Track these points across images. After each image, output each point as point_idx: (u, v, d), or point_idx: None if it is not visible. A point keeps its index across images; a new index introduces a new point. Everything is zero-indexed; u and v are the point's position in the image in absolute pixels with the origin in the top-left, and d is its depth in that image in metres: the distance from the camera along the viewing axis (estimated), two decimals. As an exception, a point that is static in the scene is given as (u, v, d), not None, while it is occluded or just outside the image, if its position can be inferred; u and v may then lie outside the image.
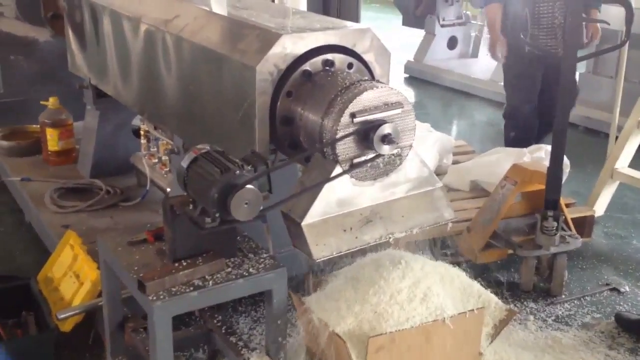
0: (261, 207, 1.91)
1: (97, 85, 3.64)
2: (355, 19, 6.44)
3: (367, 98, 1.98)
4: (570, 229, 3.23)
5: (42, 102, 4.11)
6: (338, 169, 2.00)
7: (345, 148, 1.98)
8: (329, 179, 1.98)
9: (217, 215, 1.90)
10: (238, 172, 1.87)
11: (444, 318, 2.19)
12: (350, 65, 2.24)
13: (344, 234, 2.05)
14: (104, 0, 3.29)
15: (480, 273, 3.24)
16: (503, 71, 4.68)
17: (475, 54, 7.78)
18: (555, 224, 3.06)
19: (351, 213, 2.07)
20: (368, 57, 2.27)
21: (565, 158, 3.74)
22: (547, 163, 3.23)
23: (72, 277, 2.90)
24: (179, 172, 2.01)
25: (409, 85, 7.74)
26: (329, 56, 2.19)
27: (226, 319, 2.74)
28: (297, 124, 2.15)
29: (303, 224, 1.98)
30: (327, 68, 2.18)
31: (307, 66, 2.16)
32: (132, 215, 3.49)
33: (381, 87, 2.01)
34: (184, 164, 1.99)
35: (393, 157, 2.07)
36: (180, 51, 2.56)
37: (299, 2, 5.07)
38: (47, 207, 3.56)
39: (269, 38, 2.14)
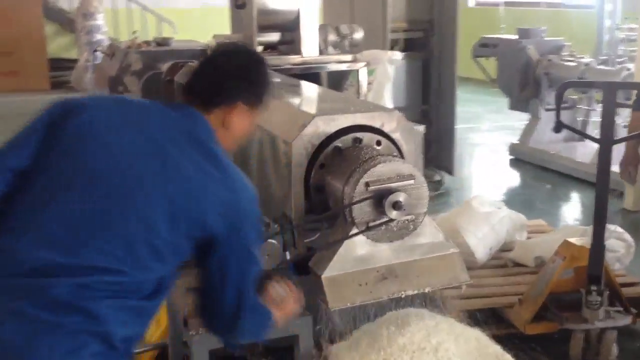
0: (287, 259, 2.29)
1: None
2: (452, 104, 6.75)
3: (381, 170, 2.30)
4: (617, 305, 3.27)
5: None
6: (355, 230, 2.32)
7: (361, 212, 2.30)
8: (346, 238, 2.30)
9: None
10: (263, 228, 2.24)
11: (454, 376, 2.39)
12: (378, 143, 2.57)
13: (359, 287, 2.34)
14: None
15: (531, 344, 3.36)
16: None
17: (581, 138, 7.75)
18: (599, 298, 3.14)
19: (368, 270, 2.36)
20: (396, 136, 2.60)
21: (627, 236, 3.81)
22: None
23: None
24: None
25: (513, 167, 7.83)
26: (359, 134, 2.53)
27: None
28: (328, 191, 2.50)
29: (322, 276, 2.30)
30: (357, 144, 2.53)
31: (338, 142, 2.51)
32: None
33: (396, 161, 2.33)
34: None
35: (407, 222, 2.36)
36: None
37: (383, 96, 5.27)
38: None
39: (305, 119, 2.53)
